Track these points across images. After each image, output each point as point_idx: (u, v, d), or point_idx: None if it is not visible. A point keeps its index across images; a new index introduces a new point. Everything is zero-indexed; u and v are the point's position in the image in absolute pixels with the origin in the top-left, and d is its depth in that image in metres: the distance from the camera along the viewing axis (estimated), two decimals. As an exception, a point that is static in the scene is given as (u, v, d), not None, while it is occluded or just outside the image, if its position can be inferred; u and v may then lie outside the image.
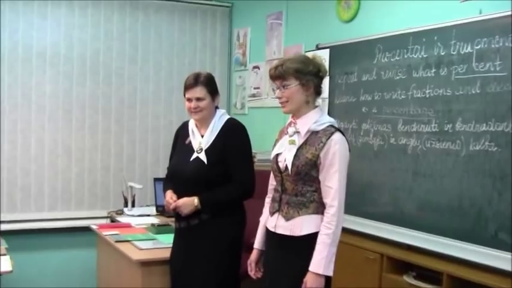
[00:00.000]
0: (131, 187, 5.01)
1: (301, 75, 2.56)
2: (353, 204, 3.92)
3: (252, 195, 3.07)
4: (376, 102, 3.95)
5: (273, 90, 2.74)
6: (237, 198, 3.08)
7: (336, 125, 2.65)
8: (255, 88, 5.64)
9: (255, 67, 5.65)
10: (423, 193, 3.54)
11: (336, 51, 4.34)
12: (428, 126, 3.52)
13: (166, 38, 5.78)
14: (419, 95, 3.60)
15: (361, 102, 4.10)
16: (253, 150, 3.23)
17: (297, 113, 2.66)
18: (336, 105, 4.34)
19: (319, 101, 2.72)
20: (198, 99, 3.06)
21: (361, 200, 3.99)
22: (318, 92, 2.66)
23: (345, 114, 4.23)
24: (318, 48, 4.59)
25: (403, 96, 3.73)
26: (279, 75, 2.62)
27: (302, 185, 2.59)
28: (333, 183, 2.51)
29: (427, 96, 3.54)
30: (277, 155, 2.72)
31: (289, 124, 2.70)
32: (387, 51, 3.87)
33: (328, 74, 2.71)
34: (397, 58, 3.77)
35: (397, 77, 3.78)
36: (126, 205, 4.98)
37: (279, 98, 2.66)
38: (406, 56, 3.70)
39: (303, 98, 2.59)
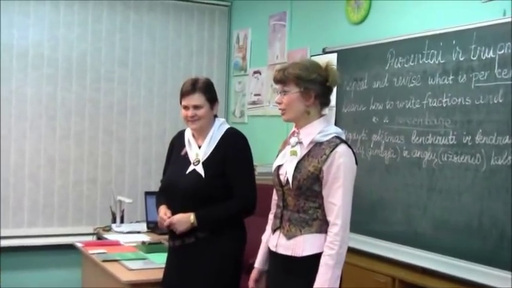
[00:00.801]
0: (120, 201, 4.99)
1: (302, 82, 2.57)
2: (362, 223, 3.92)
3: (254, 211, 3.06)
4: (387, 111, 3.95)
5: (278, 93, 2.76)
6: (237, 215, 3.06)
7: (343, 137, 2.64)
8: (255, 95, 5.64)
9: (255, 72, 5.65)
10: (439, 211, 3.52)
11: (345, 56, 4.34)
12: (445, 138, 3.51)
13: (160, 40, 5.79)
14: (435, 104, 3.59)
15: (371, 111, 4.09)
16: (253, 163, 3.21)
17: (299, 122, 2.66)
18: (343, 115, 4.33)
19: (326, 110, 2.72)
20: (196, 107, 3.05)
21: (371, 218, 3.97)
22: (324, 103, 2.66)
23: (354, 124, 4.22)
24: (324, 52, 4.59)
25: (417, 105, 3.72)
26: (280, 79, 2.64)
27: (304, 201, 2.59)
28: (336, 200, 2.51)
29: (444, 105, 3.53)
30: (279, 167, 2.71)
31: (292, 134, 2.70)
32: (400, 56, 3.86)
33: (337, 84, 2.69)
34: (412, 64, 3.77)
35: (411, 85, 3.77)
36: (114, 221, 4.95)
37: (279, 103, 2.67)
38: (421, 62, 3.70)
39: (301, 107, 2.60)
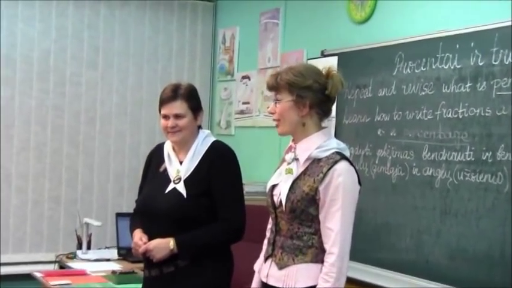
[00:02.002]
0: (87, 224, 4.95)
1: (294, 89, 2.58)
2: (364, 250, 3.92)
3: (242, 236, 3.04)
4: (395, 123, 3.95)
5: (268, 107, 2.76)
6: (223, 241, 3.04)
7: (346, 153, 2.63)
8: (243, 103, 5.63)
9: (244, 77, 5.65)
10: (455, 238, 3.52)
11: (346, 59, 4.34)
12: (461, 154, 3.52)
13: (134, 39, 5.79)
14: (450, 115, 3.60)
15: (376, 123, 4.09)
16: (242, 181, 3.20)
17: (295, 136, 2.66)
18: (344, 127, 4.33)
19: (326, 122, 2.71)
20: (177, 116, 3.03)
21: (375, 245, 3.97)
22: (322, 113, 2.65)
23: (356, 137, 4.22)
24: (323, 55, 4.59)
25: (429, 117, 3.72)
26: (272, 86, 2.65)
27: (298, 226, 2.58)
28: (333, 224, 2.50)
29: (460, 116, 3.53)
30: (273, 186, 2.70)
31: (289, 149, 2.70)
32: (410, 60, 3.86)
33: (339, 93, 2.69)
34: (423, 69, 3.78)
35: (423, 93, 3.78)
36: (80, 247, 4.91)
37: (271, 113, 2.67)
38: (434, 67, 3.70)
39: (295, 118, 2.61)
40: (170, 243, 2.96)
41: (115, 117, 5.74)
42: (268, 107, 2.77)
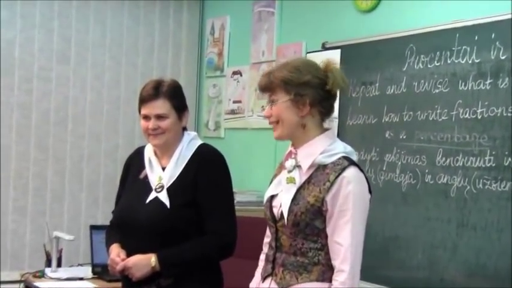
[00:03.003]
0: (57, 238, 4.92)
1: (291, 87, 2.57)
2: (371, 267, 3.86)
3: (233, 252, 3.03)
4: (405, 124, 3.96)
5: (263, 107, 2.74)
6: (211, 257, 3.03)
7: (354, 157, 2.62)
8: (235, 102, 5.64)
9: (235, 72, 5.65)
10: (473, 253, 3.52)
11: (350, 53, 4.35)
12: (480, 160, 3.52)
13: (111, 29, 5.78)
14: (467, 116, 3.61)
15: (384, 124, 4.10)
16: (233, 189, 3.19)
17: (295, 140, 2.64)
18: (348, 128, 4.33)
19: (327, 122, 2.70)
20: (159, 117, 3.02)
21: (383, 261, 3.97)
22: (324, 112, 2.64)
23: (361, 140, 4.22)
24: (324, 48, 4.60)
25: (444, 117, 3.74)
26: (265, 86, 2.64)
27: (303, 241, 2.57)
28: (343, 239, 2.50)
29: (479, 117, 3.54)
30: (272, 197, 2.69)
31: (288, 155, 2.68)
32: (423, 54, 3.87)
33: (341, 88, 2.67)
34: (437, 63, 3.79)
35: (437, 90, 3.79)
36: (49, 264, 4.87)
37: (267, 117, 2.65)
38: (449, 61, 3.71)
39: (294, 120, 2.60)
40: (151, 259, 2.94)
41: (89, 118, 5.72)
42: (262, 108, 2.76)
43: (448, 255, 3.64)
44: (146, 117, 3.05)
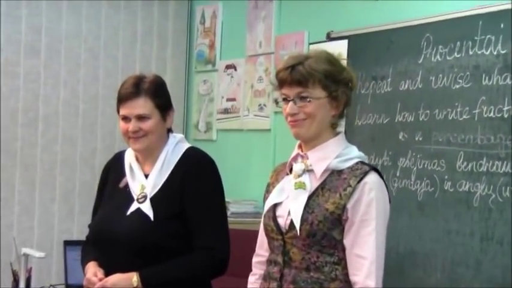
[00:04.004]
0: (26, 256, 4.91)
1: (332, 83, 2.58)
2: (385, 286, 3.89)
3: (226, 269, 3.03)
4: (421, 124, 3.96)
5: (275, 101, 2.70)
6: (201, 275, 3.03)
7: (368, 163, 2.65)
8: (228, 100, 5.64)
9: (229, 66, 5.66)
10: (499, 270, 3.52)
11: (359, 44, 4.35)
12: (507, 164, 3.53)
13: (87, 18, 5.78)
14: (492, 114, 3.61)
15: (397, 124, 4.10)
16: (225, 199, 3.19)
17: (309, 141, 2.64)
18: (356, 129, 4.33)
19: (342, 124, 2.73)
20: (140, 117, 3.02)
21: (398, 279, 3.96)
22: (341, 114, 2.67)
23: (372, 143, 4.23)
24: (330, 38, 4.60)
25: (465, 116, 3.74)
26: (300, 79, 2.58)
27: (318, 254, 2.57)
28: (366, 251, 2.52)
29: (506, 115, 3.55)
30: (276, 206, 2.68)
31: (295, 158, 2.68)
32: (441, 44, 3.87)
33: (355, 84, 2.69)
34: (457, 55, 3.79)
35: (457, 85, 3.79)
36: (16, 285, 4.87)
37: (293, 114, 2.60)
38: (471, 52, 3.71)
39: (327, 119, 2.62)
40: (133, 279, 2.93)
41: (63, 118, 5.71)
42: (276, 103, 2.68)
43: (471, 273, 3.64)
44: (126, 118, 3.05)
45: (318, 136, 2.62)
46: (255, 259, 2.82)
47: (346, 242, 2.54)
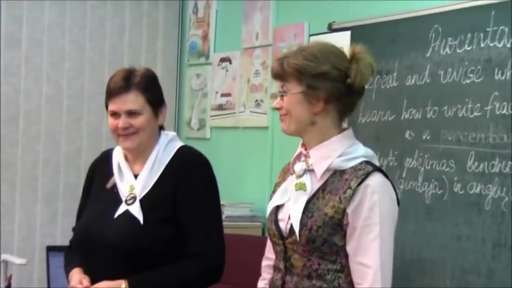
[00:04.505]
0: (6, 262, 4.92)
1: (305, 77, 2.59)
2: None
3: (220, 276, 3.03)
4: (429, 122, 3.97)
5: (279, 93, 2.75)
6: (194, 283, 3.01)
7: (375, 162, 2.64)
8: (223, 95, 5.64)
9: (223, 59, 5.67)
10: (512, 278, 3.52)
11: (362, 36, 4.31)
12: (521, 165, 3.53)
13: (72, 7, 5.79)
14: (505, 111, 3.61)
15: (403, 121, 4.11)
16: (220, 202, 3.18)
17: (308, 139, 2.66)
18: (360, 127, 4.34)
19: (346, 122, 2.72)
20: (131, 113, 3.01)
21: (405, 286, 3.95)
22: (344, 110, 2.65)
23: (376, 142, 4.24)
24: (331, 29, 4.60)
25: (476, 113, 3.74)
26: (277, 73, 2.65)
27: (319, 260, 2.58)
28: (370, 259, 2.52)
29: (520, 112, 3.55)
30: (278, 208, 2.70)
31: (298, 157, 2.69)
32: (450, 36, 3.88)
33: (365, 82, 2.67)
34: (468, 48, 3.79)
35: (468, 80, 3.79)
36: (-4, 293, 4.88)
37: (278, 109, 2.67)
38: (483, 45, 3.71)
39: (304, 116, 2.62)
40: (122, 286, 2.93)
41: (45, 115, 5.72)
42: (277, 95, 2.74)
43: (483, 282, 3.64)
44: (115, 114, 3.04)
45: (304, 133, 2.64)
46: (264, 262, 2.84)
47: (349, 249, 2.54)
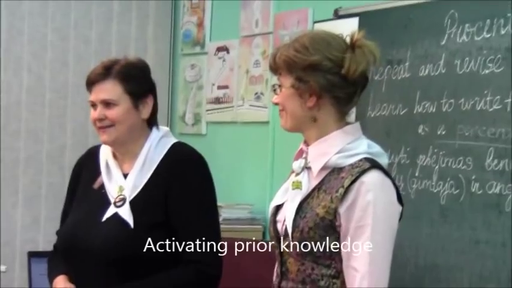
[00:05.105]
0: (-15, 269, 4.93)
1: (295, 70, 2.60)
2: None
3: (217, 285, 3.04)
4: (444, 116, 3.98)
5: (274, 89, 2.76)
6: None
7: (382, 160, 2.62)
8: (220, 87, 5.65)
9: (220, 49, 5.68)
10: (535, 286, 3.53)
11: (371, 23, 4.36)
12: (545, 163, 3.54)
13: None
14: (527, 104, 3.61)
15: (416, 115, 4.12)
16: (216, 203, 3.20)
17: (307, 134, 2.66)
18: (369, 121, 4.35)
19: (352, 116, 2.72)
20: (107, 103, 3.02)
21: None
22: (343, 102, 2.64)
23: (386, 137, 4.24)
24: (337, 16, 4.62)
25: (496, 106, 3.74)
26: (270, 66, 2.69)
27: (313, 265, 2.58)
28: (360, 263, 2.51)
29: (544, 106, 3.56)
30: (278, 208, 2.71)
31: (299, 154, 2.70)
32: (468, 23, 3.88)
33: (361, 72, 2.66)
34: (486, 35, 3.80)
35: (486, 71, 3.79)
36: (-26, 302, 4.89)
37: (277, 103, 2.68)
38: (503, 32, 3.72)
39: (299, 111, 2.64)
40: (109, 296, 2.94)
41: (26, 110, 5.72)
42: (273, 91, 2.75)
43: (503, 289, 3.65)
44: (94, 105, 3.06)
45: (306, 130, 2.65)
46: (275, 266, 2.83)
47: (343, 252, 2.54)
